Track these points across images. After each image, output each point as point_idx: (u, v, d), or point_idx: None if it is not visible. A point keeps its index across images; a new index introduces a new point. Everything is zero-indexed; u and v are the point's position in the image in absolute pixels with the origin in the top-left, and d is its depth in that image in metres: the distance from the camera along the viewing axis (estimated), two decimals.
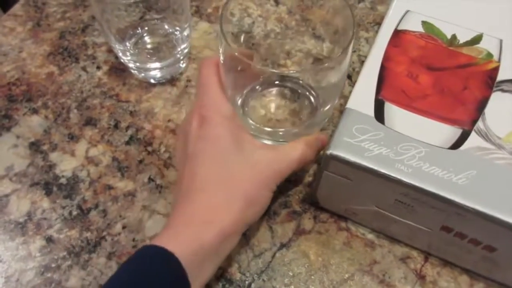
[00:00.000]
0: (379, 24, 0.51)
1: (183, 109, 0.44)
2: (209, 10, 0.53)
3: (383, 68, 0.35)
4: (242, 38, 0.46)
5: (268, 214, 0.39)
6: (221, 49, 0.33)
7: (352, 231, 0.38)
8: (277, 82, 0.42)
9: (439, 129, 0.32)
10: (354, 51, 0.49)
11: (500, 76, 0.35)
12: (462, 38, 0.37)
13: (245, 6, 0.49)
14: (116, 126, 0.43)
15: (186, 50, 0.46)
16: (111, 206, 0.38)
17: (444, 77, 0.35)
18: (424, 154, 0.31)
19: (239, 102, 0.39)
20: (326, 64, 0.35)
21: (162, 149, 0.42)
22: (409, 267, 0.36)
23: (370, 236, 0.38)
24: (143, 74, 0.46)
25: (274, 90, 0.42)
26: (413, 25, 0.38)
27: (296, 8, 0.52)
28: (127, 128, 0.43)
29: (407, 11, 0.38)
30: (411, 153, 0.31)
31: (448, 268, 0.36)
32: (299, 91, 0.41)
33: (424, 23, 0.38)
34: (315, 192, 0.37)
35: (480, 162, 0.31)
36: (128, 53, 0.44)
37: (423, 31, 0.37)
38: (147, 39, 0.46)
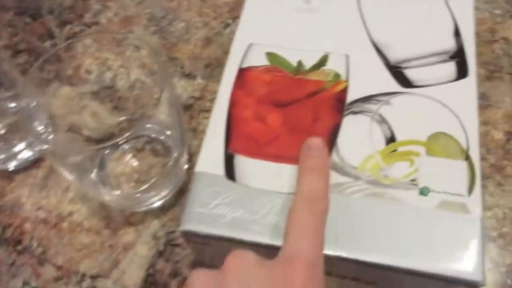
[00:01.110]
0: None
1: (51, 191, 0.41)
2: (69, 72, 0.49)
3: (230, 116, 0.33)
4: (104, 95, 0.43)
5: None
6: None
7: None
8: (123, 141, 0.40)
9: (292, 173, 0.30)
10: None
11: (350, 97, 0.33)
12: (309, 63, 0.35)
13: (104, 59, 0.46)
14: None
15: (45, 121, 0.43)
16: None
17: (293, 111, 0.33)
18: (280, 207, 0.29)
19: (93, 176, 0.37)
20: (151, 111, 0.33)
21: (34, 244, 0.39)
22: None
23: None
24: (3, 164, 0.42)
25: (125, 147, 0.40)
26: (258, 59, 0.35)
27: (161, 48, 0.50)
28: None
29: (251, 44, 0.36)
30: (266, 209, 0.29)
31: None
32: (152, 135, 0.40)
33: (268, 54, 0.35)
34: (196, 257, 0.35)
35: (337, 201, 0.29)
36: None
37: (268, 64, 0.35)
38: None
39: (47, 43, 0.51)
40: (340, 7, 0.37)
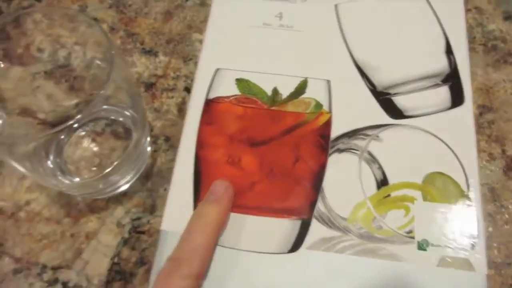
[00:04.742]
0: None
1: (6, 180, 0.37)
2: (20, 51, 0.44)
3: (198, 160, 0.29)
4: (59, 75, 0.38)
5: (124, 278, 0.33)
6: None
7: None
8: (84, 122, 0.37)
9: (274, 228, 0.27)
10: (190, 59, 0.42)
11: (335, 132, 0.29)
12: (286, 90, 0.30)
13: (56, 36, 0.40)
14: None
15: None
16: None
17: (272, 151, 0.29)
18: (261, 270, 0.25)
19: (50, 164, 0.34)
20: (101, 92, 0.29)
21: None
22: None
23: None
24: None
25: (83, 131, 0.37)
26: (226, 87, 0.31)
27: (118, 23, 0.45)
28: None
29: (218, 70, 0.32)
30: (245, 274, 0.25)
31: None
32: (112, 117, 0.37)
33: (238, 81, 0.31)
34: None
35: (326, 261, 0.25)
36: None
37: (239, 93, 0.31)
38: None
39: None
40: (318, 24, 0.33)
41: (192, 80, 0.41)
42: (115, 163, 0.34)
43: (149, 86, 0.42)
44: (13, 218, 0.36)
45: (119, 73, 0.29)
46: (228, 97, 0.30)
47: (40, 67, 0.37)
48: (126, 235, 0.35)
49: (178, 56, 0.43)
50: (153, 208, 0.36)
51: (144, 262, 0.34)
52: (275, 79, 0.31)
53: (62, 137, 0.37)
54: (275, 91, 0.30)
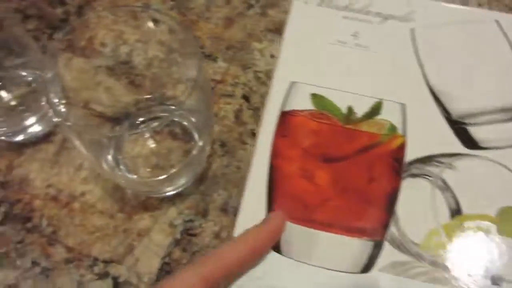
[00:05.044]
0: (272, 31, 0.44)
1: (63, 169, 0.37)
2: (83, 43, 0.44)
3: (272, 170, 0.29)
4: (120, 71, 0.39)
5: None
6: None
7: None
8: (142, 119, 0.37)
9: (346, 247, 0.26)
10: (248, 68, 0.42)
11: (409, 156, 0.29)
12: (360, 110, 0.30)
13: (119, 32, 0.40)
14: None
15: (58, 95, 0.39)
16: None
17: (345, 169, 0.29)
18: None
19: (110, 157, 0.34)
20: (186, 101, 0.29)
21: (44, 222, 0.35)
22: None
23: None
24: (14, 136, 0.38)
25: (145, 130, 0.38)
26: (301, 101, 0.31)
27: (179, 26, 0.46)
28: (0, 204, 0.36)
29: (293, 83, 0.32)
30: None
31: None
32: (175, 119, 0.37)
33: (313, 96, 0.31)
34: None
35: (398, 285, 0.25)
36: None
37: (314, 108, 0.31)
38: (4, 94, 0.38)
39: (58, 10, 0.46)
40: (393, 47, 0.33)
41: (250, 88, 0.42)
42: (174, 170, 0.34)
43: None
44: (68, 207, 0.36)
45: (200, 78, 0.29)
46: (302, 111, 0.30)
47: (102, 61, 0.38)
48: (178, 236, 0.35)
49: (237, 64, 0.43)
50: (206, 212, 0.36)
51: None
52: (349, 98, 0.31)
53: (124, 132, 0.37)
54: (350, 110, 0.30)
